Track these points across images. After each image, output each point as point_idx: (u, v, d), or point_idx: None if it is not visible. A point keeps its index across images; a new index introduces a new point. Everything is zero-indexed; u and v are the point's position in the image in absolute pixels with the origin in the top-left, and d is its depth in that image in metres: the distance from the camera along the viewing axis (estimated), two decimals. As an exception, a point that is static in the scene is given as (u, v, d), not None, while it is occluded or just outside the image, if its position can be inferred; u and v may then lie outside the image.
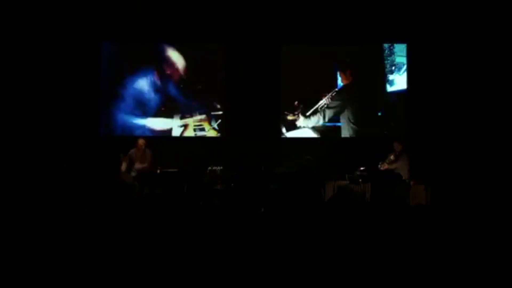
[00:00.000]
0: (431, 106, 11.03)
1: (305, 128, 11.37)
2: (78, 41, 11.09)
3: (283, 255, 5.30)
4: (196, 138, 11.40)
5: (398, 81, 11.36)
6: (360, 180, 9.68)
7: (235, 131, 11.33)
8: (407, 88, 11.29)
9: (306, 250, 5.48)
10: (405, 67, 11.32)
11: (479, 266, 4.97)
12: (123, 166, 10.02)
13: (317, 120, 11.38)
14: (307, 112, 11.36)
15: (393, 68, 11.36)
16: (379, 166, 9.92)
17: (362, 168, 9.82)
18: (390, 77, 11.36)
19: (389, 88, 11.36)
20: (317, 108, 11.34)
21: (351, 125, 11.33)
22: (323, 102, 11.28)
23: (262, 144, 10.99)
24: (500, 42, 10.67)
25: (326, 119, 11.36)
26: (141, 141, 10.25)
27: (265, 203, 9.25)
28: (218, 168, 10.01)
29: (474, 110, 10.75)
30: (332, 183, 9.99)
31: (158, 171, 9.83)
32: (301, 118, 11.38)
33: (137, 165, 10.06)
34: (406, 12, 10.98)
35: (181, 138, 11.40)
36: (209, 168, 10.01)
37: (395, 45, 11.37)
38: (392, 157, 9.98)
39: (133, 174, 10.02)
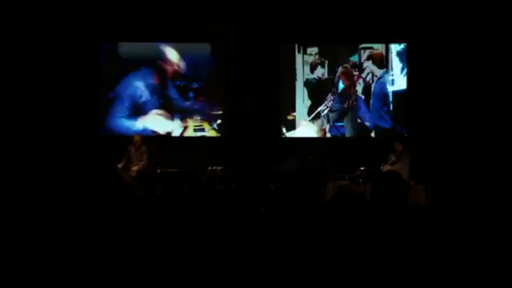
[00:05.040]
0: (431, 106, 11.02)
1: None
2: (78, 41, 11.08)
3: (283, 255, 5.30)
4: (196, 138, 11.39)
5: (398, 81, 11.35)
6: (360, 180, 9.67)
7: (235, 131, 11.32)
8: (407, 88, 11.28)
9: (306, 250, 5.48)
10: (405, 67, 11.31)
11: (479, 266, 4.97)
12: (121, 164, 9.99)
13: (320, 124, 11.31)
14: (309, 116, 11.32)
15: (394, 68, 11.35)
16: (381, 167, 9.91)
17: (362, 168, 9.81)
18: (391, 77, 11.34)
19: (389, 88, 11.34)
20: (319, 112, 11.31)
21: (356, 126, 11.31)
22: (325, 105, 11.25)
23: (262, 144, 10.98)
24: (500, 41, 10.66)
25: (331, 123, 11.29)
26: (137, 137, 10.25)
27: (265, 203, 9.25)
28: (218, 168, 10.00)
29: (474, 110, 10.74)
30: (332, 183, 9.97)
31: (158, 171, 9.82)
32: (304, 122, 11.33)
33: (134, 165, 10.00)
34: (406, 12, 10.97)
35: (181, 138, 11.38)
36: (209, 168, 10.00)
37: (396, 45, 11.36)
38: (393, 158, 9.97)
39: (132, 174, 10.00)
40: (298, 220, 8.08)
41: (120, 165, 9.99)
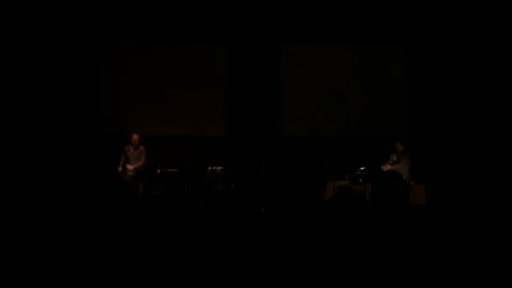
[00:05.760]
0: (431, 106, 11.03)
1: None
2: (78, 42, 11.09)
3: (284, 254, 5.30)
4: (196, 138, 11.37)
5: (399, 82, 11.36)
6: (360, 180, 9.67)
7: (235, 131, 11.32)
8: (407, 89, 11.29)
9: (306, 250, 5.48)
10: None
11: (479, 266, 4.97)
12: (120, 167, 9.98)
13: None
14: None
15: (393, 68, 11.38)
16: (382, 167, 9.90)
17: (362, 168, 9.81)
18: (391, 76, 11.37)
19: (389, 88, 11.36)
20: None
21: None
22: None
23: (262, 144, 10.98)
24: (499, 42, 10.67)
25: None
26: (135, 136, 10.14)
27: (265, 203, 9.26)
28: (218, 168, 9.99)
29: (474, 110, 10.76)
30: (332, 183, 9.97)
31: (158, 171, 9.81)
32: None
33: (132, 165, 9.99)
34: (405, 14, 10.97)
35: (181, 138, 11.37)
36: (209, 168, 10.00)
37: (395, 45, 11.38)
38: (394, 157, 9.96)
39: (129, 173, 9.99)
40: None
41: (120, 168, 9.97)
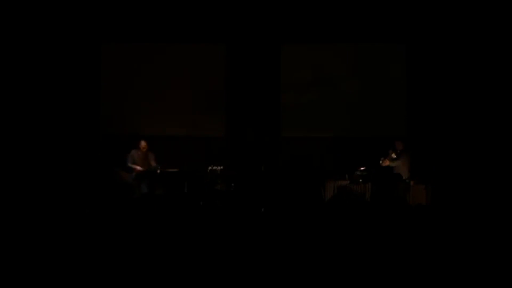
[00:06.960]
0: (431, 106, 11.03)
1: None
2: (79, 42, 11.10)
3: (284, 254, 5.31)
4: (196, 138, 11.38)
5: (399, 82, 11.36)
6: (360, 180, 9.68)
7: (235, 131, 11.32)
8: (407, 89, 11.29)
9: (307, 250, 5.49)
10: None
11: (479, 266, 4.98)
12: (139, 167, 9.90)
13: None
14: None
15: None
16: (380, 162, 9.92)
17: (362, 168, 9.81)
18: (390, 77, 11.37)
19: (389, 88, 11.36)
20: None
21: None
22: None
23: (262, 144, 10.98)
24: (499, 42, 10.67)
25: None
26: (143, 143, 10.06)
27: (265, 203, 9.26)
28: (218, 168, 10.00)
29: (474, 110, 10.76)
30: (332, 183, 9.98)
31: (158, 171, 9.81)
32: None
33: (139, 166, 9.96)
34: (406, 13, 10.97)
35: (181, 138, 11.38)
36: (209, 168, 10.00)
37: (395, 45, 11.38)
38: (393, 154, 9.97)
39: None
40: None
41: (138, 168, 9.87)
